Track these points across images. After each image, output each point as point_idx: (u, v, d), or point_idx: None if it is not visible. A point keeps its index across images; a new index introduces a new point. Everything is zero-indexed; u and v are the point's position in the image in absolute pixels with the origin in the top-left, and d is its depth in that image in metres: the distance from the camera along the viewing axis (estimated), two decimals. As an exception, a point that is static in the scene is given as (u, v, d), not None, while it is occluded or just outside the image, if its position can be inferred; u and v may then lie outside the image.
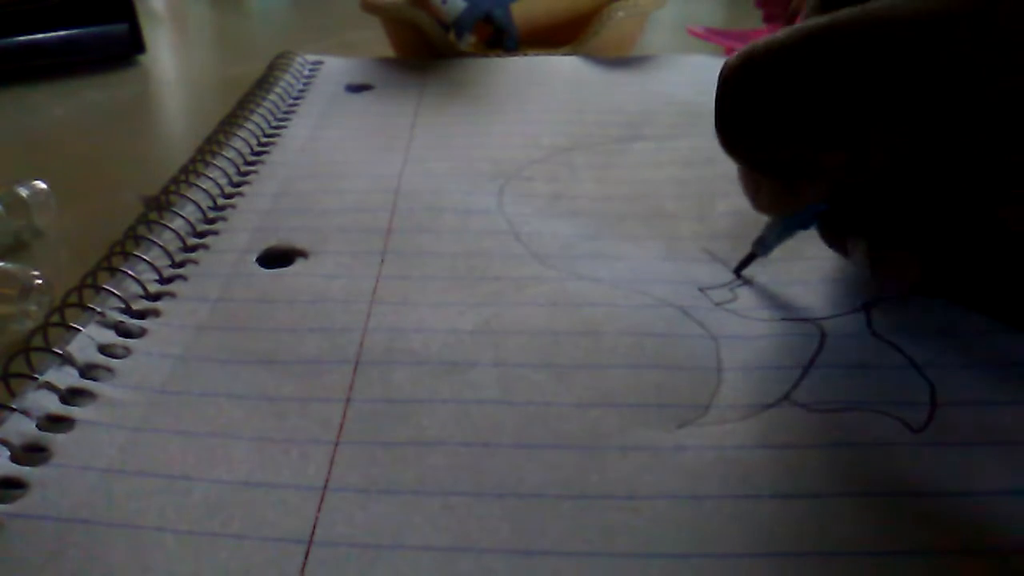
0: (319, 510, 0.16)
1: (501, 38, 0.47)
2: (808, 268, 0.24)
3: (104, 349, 0.20)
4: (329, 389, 0.19)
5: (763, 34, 0.51)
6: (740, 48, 0.18)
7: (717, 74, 0.18)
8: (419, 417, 0.18)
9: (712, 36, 0.49)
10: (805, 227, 0.21)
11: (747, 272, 0.24)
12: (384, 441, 0.18)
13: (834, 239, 0.21)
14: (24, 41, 0.47)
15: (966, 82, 0.15)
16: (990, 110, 0.15)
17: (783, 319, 0.21)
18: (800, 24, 0.17)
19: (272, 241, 0.26)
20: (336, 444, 0.18)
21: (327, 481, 0.17)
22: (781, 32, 0.17)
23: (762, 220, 0.27)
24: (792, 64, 0.17)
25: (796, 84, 0.17)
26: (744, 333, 0.21)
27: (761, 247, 0.23)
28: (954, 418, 0.17)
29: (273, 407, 0.19)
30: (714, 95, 0.18)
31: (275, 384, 0.19)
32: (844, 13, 0.16)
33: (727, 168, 0.31)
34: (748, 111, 0.18)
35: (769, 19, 0.49)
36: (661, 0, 0.47)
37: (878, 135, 0.16)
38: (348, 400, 0.19)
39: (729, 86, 0.18)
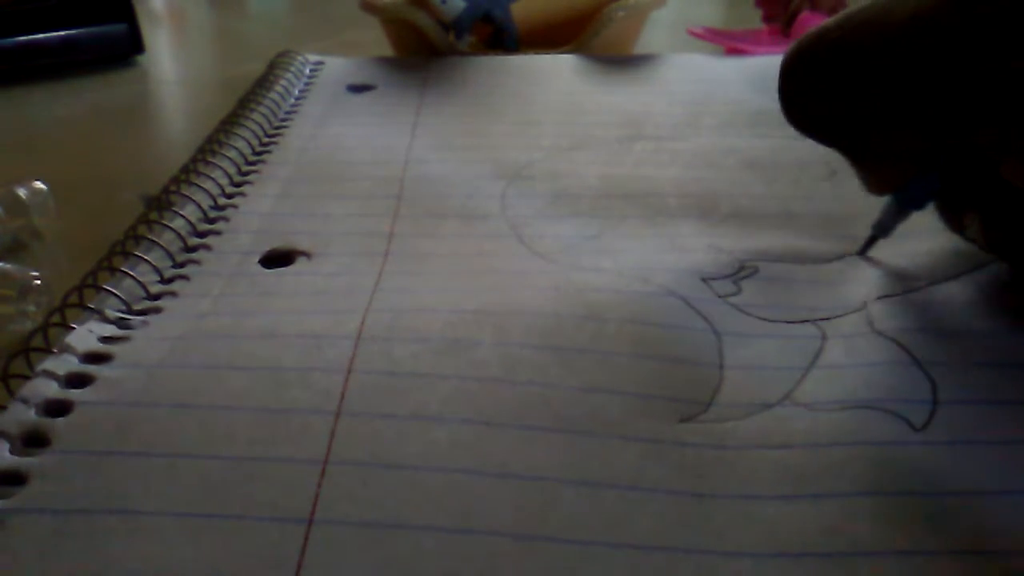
0: (320, 485, 0.16)
1: (501, 38, 0.47)
2: (810, 267, 0.24)
3: (104, 340, 0.20)
4: (330, 360, 0.19)
5: (762, 34, 0.51)
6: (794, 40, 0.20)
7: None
8: (421, 392, 0.18)
9: (712, 36, 0.49)
10: (920, 207, 0.22)
11: (748, 267, 0.24)
12: (385, 414, 0.17)
13: (951, 217, 0.22)
14: (24, 41, 0.47)
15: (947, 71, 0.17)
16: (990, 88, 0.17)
17: (785, 317, 0.21)
18: (841, 12, 0.19)
19: (274, 243, 0.26)
20: (337, 415, 0.17)
21: (328, 454, 0.16)
22: (829, 20, 0.19)
23: (761, 221, 0.27)
24: (819, 56, 0.19)
25: (822, 74, 0.19)
26: (746, 330, 0.21)
27: (880, 229, 0.24)
28: (955, 416, 0.17)
29: (273, 377, 0.19)
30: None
31: (276, 355, 0.19)
32: (855, 9, 0.18)
33: (729, 168, 0.31)
34: (797, 96, 0.20)
35: (769, 19, 0.49)
36: (661, 0, 0.47)
37: (888, 124, 0.18)
38: (349, 371, 0.19)
39: (783, 72, 0.20)
